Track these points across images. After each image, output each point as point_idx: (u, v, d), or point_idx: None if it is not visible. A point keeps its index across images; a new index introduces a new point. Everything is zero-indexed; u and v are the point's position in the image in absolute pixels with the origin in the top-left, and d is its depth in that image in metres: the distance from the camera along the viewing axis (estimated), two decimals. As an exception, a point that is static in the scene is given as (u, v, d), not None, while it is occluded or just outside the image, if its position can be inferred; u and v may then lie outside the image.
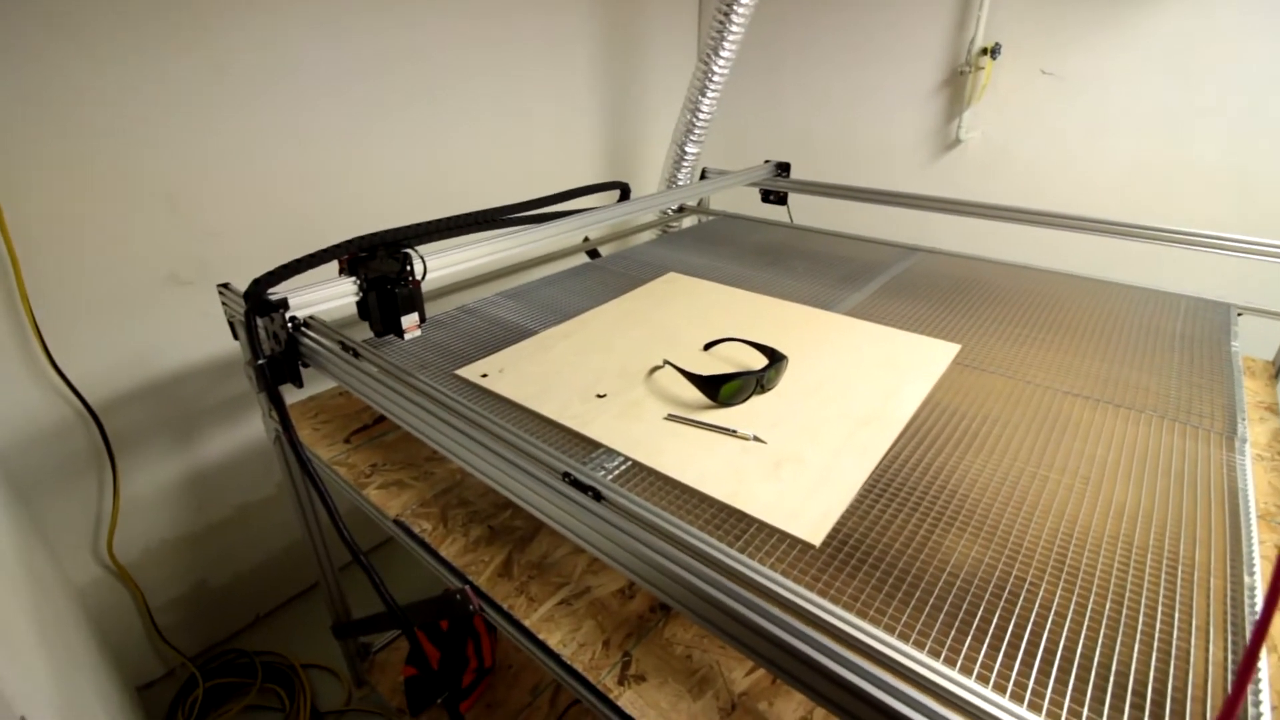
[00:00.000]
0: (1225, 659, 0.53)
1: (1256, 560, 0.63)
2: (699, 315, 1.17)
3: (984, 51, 1.77)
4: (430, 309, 1.14)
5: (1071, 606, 0.58)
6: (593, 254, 1.61)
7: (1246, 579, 0.60)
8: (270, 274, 0.93)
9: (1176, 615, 0.57)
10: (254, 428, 1.60)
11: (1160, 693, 0.51)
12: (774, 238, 1.65)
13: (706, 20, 2.32)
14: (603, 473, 0.76)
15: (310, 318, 0.96)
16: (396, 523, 0.88)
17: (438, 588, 0.80)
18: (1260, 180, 1.53)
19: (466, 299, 1.27)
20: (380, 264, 1.01)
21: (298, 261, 0.97)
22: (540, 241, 1.26)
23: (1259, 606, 0.57)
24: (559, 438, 0.84)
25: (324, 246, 1.00)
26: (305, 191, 1.51)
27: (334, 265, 1.02)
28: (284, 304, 0.92)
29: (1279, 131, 1.50)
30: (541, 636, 0.70)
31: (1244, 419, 0.87)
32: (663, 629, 0.71)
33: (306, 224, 1.53)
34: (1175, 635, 0.55)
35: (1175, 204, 1.64)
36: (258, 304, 0.90)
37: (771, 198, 1.85)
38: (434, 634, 1.29)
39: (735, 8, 1.64)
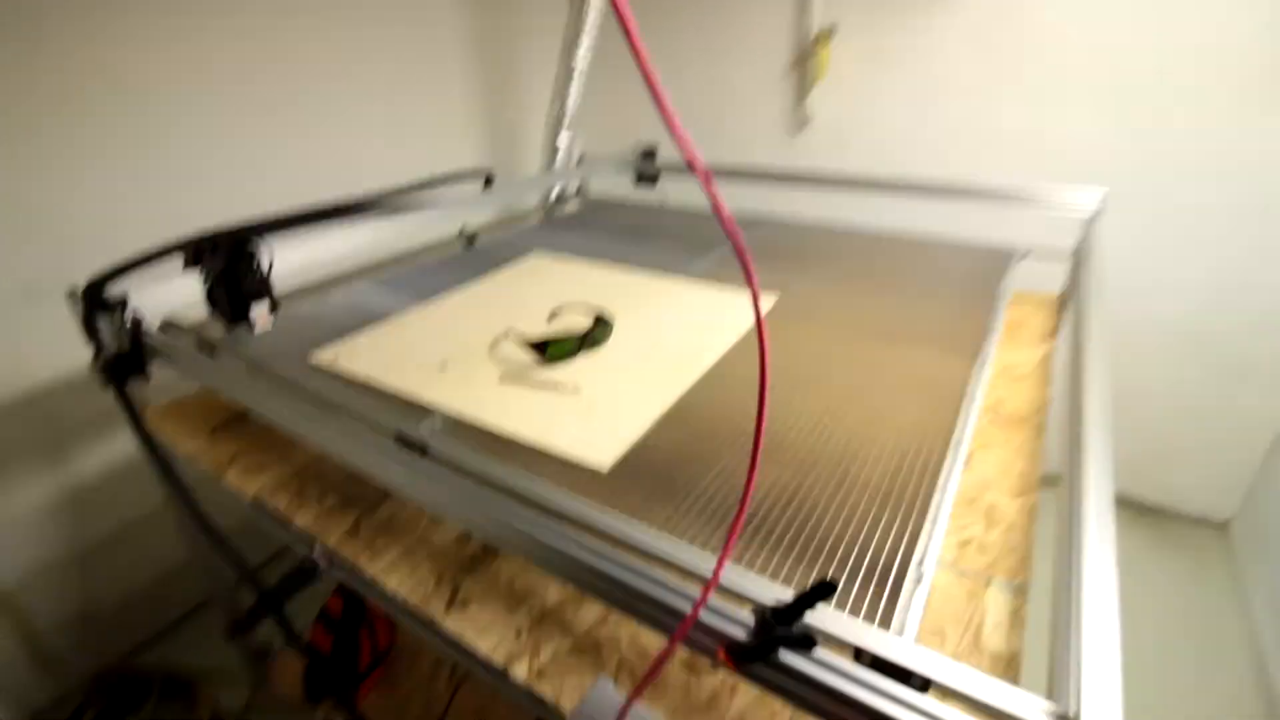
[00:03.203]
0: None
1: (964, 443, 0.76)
2: (552, 291, 1.24)
3: (820, 35, 1.92)
4: (292, 304, 1.17)
5: (801, 493, 0.70)
6: (470, 242, 1.66)
7: (947, 459, 0.73)
8: (108, 271, 0.95)
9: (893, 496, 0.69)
10: (131, 443, 1.58)
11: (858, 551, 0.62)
12: (644, 218, 1.75)
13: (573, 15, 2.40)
14: (429, 433, 0.82)
15: (167, 321, 0.97)
16: (253, 502, 0.92)
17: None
18: (1055, 140, 1.73)
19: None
20: (226, 256, 1.03)
21: (137, 257, 0.98)
22: (402, 233, 1.30)
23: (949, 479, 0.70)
24: (400, 410, 0.89)
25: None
26: (170, 197, 1.51)
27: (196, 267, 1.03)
28: (123, 301, 0.94)
29: (1075, 97, 1.70)
30: (381, 581, 0.77)
31: (992, 344, 1.02)
32: (492, 564, 0.79)
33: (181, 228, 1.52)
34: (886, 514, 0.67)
35: (986, 165, 1.84)
36: (96, 302, 0.92)
37: (643, 180, 1.95)
38: (328, 623, 1.33)
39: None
